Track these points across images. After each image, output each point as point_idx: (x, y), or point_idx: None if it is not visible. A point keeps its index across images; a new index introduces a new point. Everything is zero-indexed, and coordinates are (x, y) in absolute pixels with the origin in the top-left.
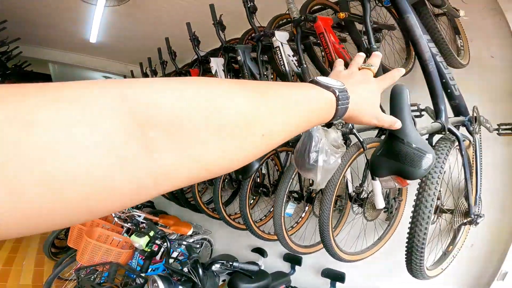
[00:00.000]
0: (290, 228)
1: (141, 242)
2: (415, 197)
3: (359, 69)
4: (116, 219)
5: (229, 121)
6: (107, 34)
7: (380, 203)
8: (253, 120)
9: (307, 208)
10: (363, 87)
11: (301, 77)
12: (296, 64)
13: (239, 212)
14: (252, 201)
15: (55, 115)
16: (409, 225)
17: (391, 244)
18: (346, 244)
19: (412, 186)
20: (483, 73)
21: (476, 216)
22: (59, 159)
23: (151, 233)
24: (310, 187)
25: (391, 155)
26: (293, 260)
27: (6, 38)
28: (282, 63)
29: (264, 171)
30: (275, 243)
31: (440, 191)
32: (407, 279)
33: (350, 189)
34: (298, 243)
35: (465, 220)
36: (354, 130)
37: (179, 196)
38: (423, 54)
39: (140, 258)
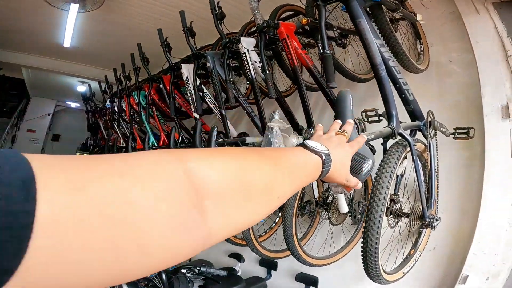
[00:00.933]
0: (263, 234)
1: None
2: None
3: (336, 134)
4: None
5: (257, 189)
6: (81, 38)
7: (344, 208)
8: (272, 186)
9: (280, 214)
10: (339, 151)
11: (267, 83)
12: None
13: None
14: None
15: (147, 193)
16: (363, 229)
17: (359, 248)
18: (315, 249)
19: None
20: (442, 78)
21: (431, 219)
22: (153, 234)
23: None
24: None
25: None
26: (269, 265)
27: None
28: (248, 70)
29: None
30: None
31: (398, 195)
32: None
33: (316, 194)
34: (268, 248)
35: (421, 223)
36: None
37: None
38: (374, 58)
39: None
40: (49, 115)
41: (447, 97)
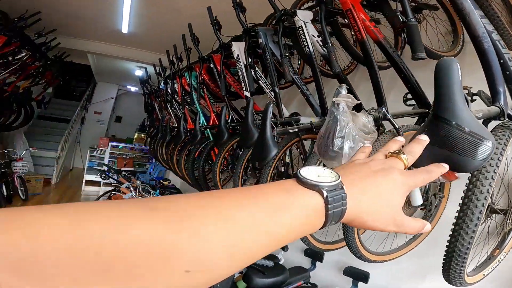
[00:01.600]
0: None
1: None
2: (463, 194)
3: (386, 156)
4: None
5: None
6: (136, 24)
7: (418, 200)
8: (165, 253)
9: None
10: (377, 181)
11: (327, 58)
12: (321, 44)
13: None
14: None
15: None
16: (453, 227)
17: (422, 245)
18: (374, 243)
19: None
20: None
21: None
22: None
23: None
24: None
25: (436, 140)
26: (315, 255)
27: (43, 29)
28: (306, 44)
29: (287, 159)
30: None
31: (493, 188)
32: (435, 283)
33: None
34: (319, 239)
35: None
36: (389, 116)
37: (201, 184)
38: (476, 30)
39: None
40: (112, 98)
41: None
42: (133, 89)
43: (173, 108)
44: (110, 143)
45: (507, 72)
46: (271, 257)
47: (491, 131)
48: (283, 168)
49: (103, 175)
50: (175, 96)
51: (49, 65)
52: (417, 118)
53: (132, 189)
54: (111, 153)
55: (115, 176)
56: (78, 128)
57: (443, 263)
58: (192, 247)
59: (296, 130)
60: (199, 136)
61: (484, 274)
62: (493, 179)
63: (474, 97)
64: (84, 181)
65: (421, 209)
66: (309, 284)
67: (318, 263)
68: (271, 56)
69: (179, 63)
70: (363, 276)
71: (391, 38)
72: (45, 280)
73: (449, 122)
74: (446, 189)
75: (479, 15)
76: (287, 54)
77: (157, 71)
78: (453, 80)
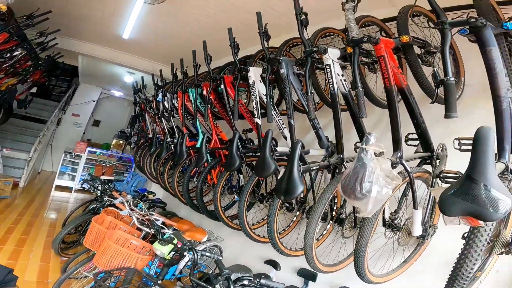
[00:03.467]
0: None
1: (163, 250)
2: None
3: None
4: (136, 221)
5: None
6: (140, 31)
7: (418, 231)
8: None
9: (329, 226)
10: None
11: (347, 100)
12: (345, 85)
13: (260, 221)
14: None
15: None
16: (458, 257)
17: (415, 267)
18: (373, 265)
19: None
20: None
21: None
22: None
23: (175, 241)
24: (340, 209)
25: (466, 196)
26: (308, 275)
27: (47, 28)
28: (331, 83)
29: None
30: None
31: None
32: None
33: (387, 215)
34: (323, 262)
35: (504, 250)
36: (403, 160)
37: (199, 203)
38: (499, 89)
39: (158, 266)
40: (94, 101)
41: None
42: (117, 93)
43: (169, 123)
44: (88, 149)
45: None
46: (261, 275)
47: None
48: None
49: (87, 184)
50: (173, 111)
51: (40, 65)
52: (418, 161)
53: (126, 204)
54: (88, 159)
55: (100, 187)
56: (53, 130)
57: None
58: None
59: (317, 167)
60: (205, 158)
61: None
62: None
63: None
64: (54, 186)
65: (417, 237)
66: None
67: (310, 282)
68: (290, 87)
69: (185, 78)
70: None
71: None
72: None
73: (482, 184)
74: (436, 219)
75: (504, 73)
76: (312, 91)
77: (155, 82)
78: (488, 148)
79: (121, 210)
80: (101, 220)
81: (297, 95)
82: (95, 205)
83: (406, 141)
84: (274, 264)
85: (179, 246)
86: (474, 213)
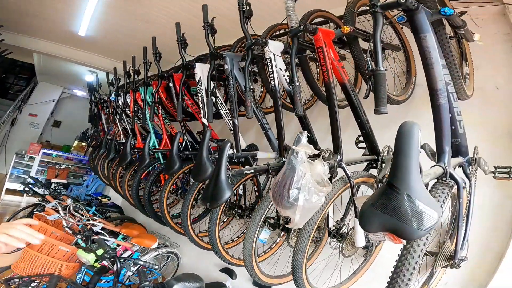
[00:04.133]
0: (262, 254)
1: (88, 258)
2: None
3: None
4: (67, 229)
5: None
6: (97, 28)
7: (361, 242)
8: None
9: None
10: None
11: (291, 96)
12: (288, 81)
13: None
14: (225, 220)
15: None
16: (392, 271)
17: (365, 277)
18: (318, 278)
19: None
20: (486, 107)
21: (460, 260)
22: None
23: (99, 251)
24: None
25: (387, 208)
26: (262, 287)
27: None
28: (272, 78)
29: (240, 191)
30: None
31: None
32: None
33: (331, 224)
34: (266, 272)
35: (448, 263)
36: (343, 164)
37: (146, 207)
38: (436, 82)
39: (86, 274)
40: (53, 101)
41: (489, 129)
42: (79, 93)
43: (122, 122)
44: (42, 150)
45: (453, 127)
46: (217, 284)
47: (431, 188)
48: (234, 198)
49: (27, 188)
50: (126, 109)
51: None
52: (365, 165)
53: (60, 208)
54: (42, 161)
55: (40, 191)
56: (7, 130)
57: None
58: None
59: (253, 171)
60: (147, 160)
61: None
62: (430, 235)
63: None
64: (4, 189)
65: (363, 248)
66: None
67: None
68: (234, 84)
69: (136, 76)
70: None
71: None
72: None
73: (403, 193)
74: None
75: (441, 64)
76: (251, 87)
77: (110, 80)
78: (411, 147)
79: (49, 215)
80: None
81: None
82: (36, 210)
83: (356, 143)
84: (229, 272)
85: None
86: (394, 229)
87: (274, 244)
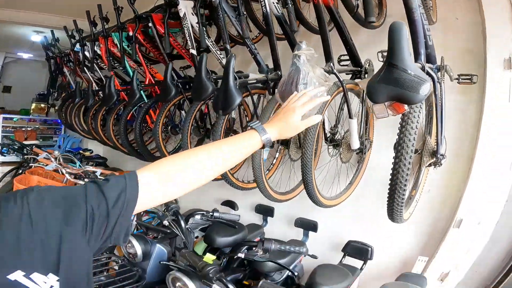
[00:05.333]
0: (267, 172)
1: None
2: (396, 138)
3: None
4: (67, 175)
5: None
6: None
7: (356, 143)
8: (203, 162)
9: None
10: (281, 119)
11: (281, 21)
12: (277, 7)
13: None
14: None
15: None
16: (392, 167)
17: (358, 190)
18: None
19: (381, 128)
20: (447, 32)
21: (441, 156)
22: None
23: None
24: None
25: (390, 81)
26: (266, 211)
27: None
28: (264, 4)
29: (234, 115)
30: (245, 196)
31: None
32: (374, 225)
33: (327, 129)
34: (275, 189)
35: (432, 161)
36: (335, 70)
37: (140, 148)
38: (412, 2)
39: None
40: None
41: (450, 50)
42: (25, 56)
43: (95, 72)
44: (2, 116)
45: (424, 40)
46: (258, 226)
47: None
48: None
49: (4, 148)
50: (96, 59)
51: None
52: (350, 75)
53: (52, 159)
54: (4, 127)
55: (24, 150)
56: None
57: (387, 204)
58: (215, 159)
59: (255, 81)
60: (138, 94)
61: (410, 213)
62: (419, 123)
63: None
64: None
65: (356, 153)
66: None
67: (269, 218)
68: (223, 15)
69: (105, 23)
70: (313, 226)
71: None
72: (168, 180)
73: (401, 68)
74: (371, 134)
75: None
76: (244, 13)
77: (69, 34)
78: (402, 37)
79: (47, 164)
80: (27, 181)
81: (231, 23)
82: (21, 170)
83: (339, 62)
84: (231, 204)
85: None
86: (399, 96)
87: (275, 161)
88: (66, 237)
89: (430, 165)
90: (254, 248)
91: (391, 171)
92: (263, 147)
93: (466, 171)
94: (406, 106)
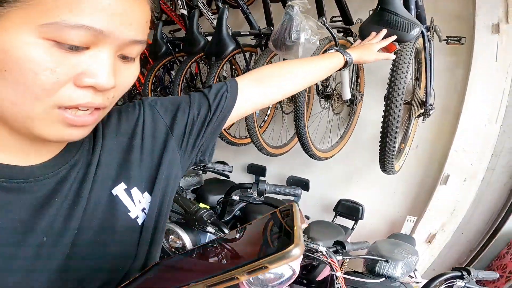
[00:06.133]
0: (260, 127)
1: None
2: (387, 83)
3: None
4: None
5: (284, 75)
6: None
7: (347, 94)
8: (295, 73)
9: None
10: (362, 48)
11: None
12: None
13: None
14: None
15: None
16: (383, 115)
17: (348, 148)
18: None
19: (373, 79)
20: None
21: (430, 106)
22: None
23: None
24: None
25: (381, 22)
26: (257, 171)
27: None
28: None
29: (225, 73)
30: (236, 155)
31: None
32: (364, 184)
33: (319, 83)
34: (270, 143)
35: (420, 111)
36: (327, 24)
37: None
38: None
39: None
40: None
41: (440, 15)
42: None
43: None
44: None
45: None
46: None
47: None
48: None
49: None
50: None
51: None
52: (343, 32)
53: None
54: None
55: None
56: None
57: (379, 156)
58: (304, 71)
59: (248, 33)
60: None
61: (399, 165)
62: (408, 72)
63: None
64: None
65: (348, 105)
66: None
67: (261, 177)
68: None
69: None
70: (304, 184)
71: None
72: (266, 82)
73: (390, 11)
74: (361, 86)
75: None
76: None
77: None
78: None
79: None
80: None
81: None
82: None
83: (331, 22)
84: (223, 164)
85: None
86: (391, 35)
87: (267, 117)
88: (169, 147)
89: (419, 115)
90: (249, 190)
91: (382, 119)
92: (345, 65)
93: (453, 125)
94: (397, 44)
